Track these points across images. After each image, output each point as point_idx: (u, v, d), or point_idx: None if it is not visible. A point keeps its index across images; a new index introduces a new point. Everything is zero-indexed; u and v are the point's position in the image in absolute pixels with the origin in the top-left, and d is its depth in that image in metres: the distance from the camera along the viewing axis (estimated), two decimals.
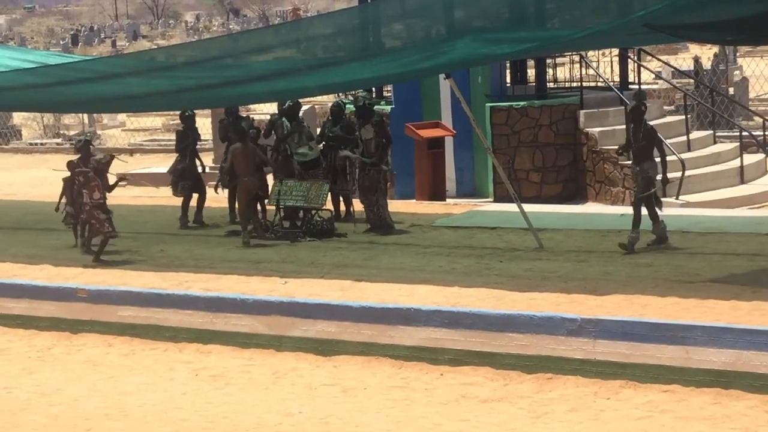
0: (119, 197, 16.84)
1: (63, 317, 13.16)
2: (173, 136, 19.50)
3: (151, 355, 11.93)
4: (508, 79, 21.79)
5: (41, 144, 33.91)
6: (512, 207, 15.51)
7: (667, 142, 18.55)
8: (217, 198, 17.70)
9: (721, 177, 19.81)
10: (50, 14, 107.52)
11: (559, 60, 23.87)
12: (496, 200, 19.37)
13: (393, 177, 18.65)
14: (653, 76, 26.07)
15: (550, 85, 22.21)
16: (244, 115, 18.77)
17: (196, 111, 18.05)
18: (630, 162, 15.41)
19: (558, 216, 16.91)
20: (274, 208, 16.58)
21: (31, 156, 32.47)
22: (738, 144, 21.31)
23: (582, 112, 20.19)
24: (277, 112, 17.67)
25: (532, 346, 10.61)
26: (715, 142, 21.66)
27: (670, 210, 15.79)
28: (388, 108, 20.76)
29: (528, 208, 15.35)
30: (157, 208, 19.48)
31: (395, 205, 17.61)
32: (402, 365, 10.91)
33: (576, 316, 10.59)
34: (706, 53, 33.60)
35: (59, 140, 34.16)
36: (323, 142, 17.38)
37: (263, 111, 29.20)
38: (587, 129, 20.00)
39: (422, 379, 10.53)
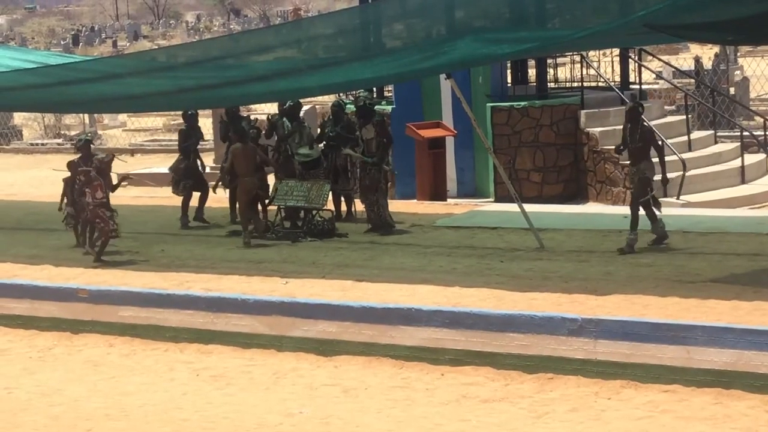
0: (120, 197, 16.82)
1: (64, 317, 13.15)
2: (174, 137, 19.51)
3: (151, 355, 11.92)
4: (509, 79, 21.76)
5: (42, 144, 33.87)
6: (513, 207, 15.50)
7: (668, 142, 18.58)
8: (217, 198, 17.68)
9: (721, 177, 19.79)
10: (51, 14, 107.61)
11: (560, 60, 23.88)
12: (497, 200, 19.35)
13: (394, 177, 18.64)
14: (654, 76, 26.01)
15: (551, 85, 22.19)
16: (244, 115, 18.74)
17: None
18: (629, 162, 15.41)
19: (559, 216, 16.91)
20: (275, 208, 16.58)
21: (32, 156, 32.42)
22: (739, 144, 21.29)
23: (583, 112, 20.17)
24: (277, 112, 17.68)
25: (533, 346, 10.61)
26: (715, 142, 21.64)
27: (671, 210, 15.78)
28: (389, 108, 20.75)
29: (529, 208, 15.35)
30: (158, 208, 19.48)
31: (396, 205, 17.61)
32: (403, 365, 10.91)
33: (577, 316, 10.59)
34: (707, 53, 33.62)
35: (60, 140, 34.13)
36: (324, 142, 17.38)
37: (263, 111, 29.16)
38: (588, 129, 19.98)
39: (423, 379, 10.52)
